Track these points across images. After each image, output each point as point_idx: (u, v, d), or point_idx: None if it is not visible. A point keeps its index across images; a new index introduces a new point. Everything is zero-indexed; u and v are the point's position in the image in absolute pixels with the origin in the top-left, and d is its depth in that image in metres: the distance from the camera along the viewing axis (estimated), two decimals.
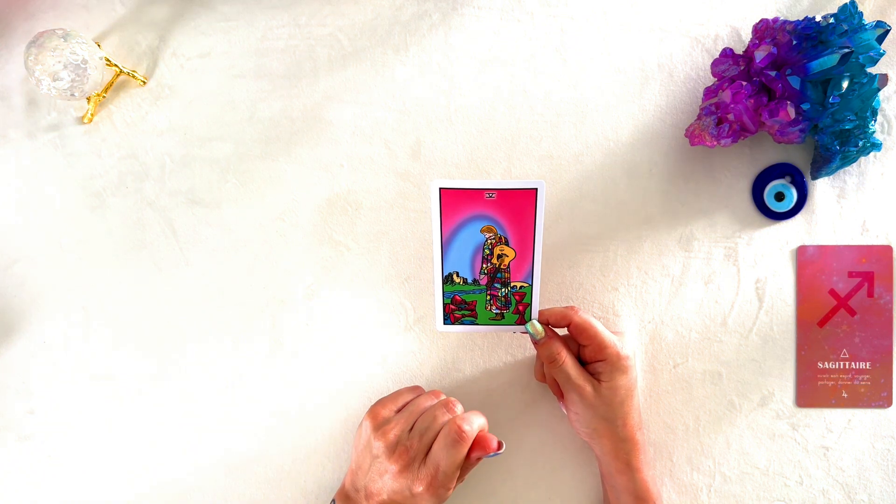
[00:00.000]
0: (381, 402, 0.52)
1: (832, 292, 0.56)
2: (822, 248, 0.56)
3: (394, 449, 0.48)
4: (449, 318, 0.51)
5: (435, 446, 0.48)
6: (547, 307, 0.51)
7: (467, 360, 0.57)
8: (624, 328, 0.56)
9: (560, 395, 0.52)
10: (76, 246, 0.58)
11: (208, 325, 0.58)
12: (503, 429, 0.57)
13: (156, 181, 0.58)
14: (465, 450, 0.47)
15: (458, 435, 0.47)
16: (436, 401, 0.51)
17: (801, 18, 0.50)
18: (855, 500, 0.55)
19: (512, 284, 0.50)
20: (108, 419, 0.58)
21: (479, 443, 0.48)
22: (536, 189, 0.47)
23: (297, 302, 0.58)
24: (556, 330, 0.51)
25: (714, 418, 0.56)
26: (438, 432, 0.48)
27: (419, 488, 0.47)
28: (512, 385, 0.57)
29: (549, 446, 0.57)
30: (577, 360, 0.51)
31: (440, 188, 0.47)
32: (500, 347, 0.57)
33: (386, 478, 0.48)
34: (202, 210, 0.58)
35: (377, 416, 0.50)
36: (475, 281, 0.50)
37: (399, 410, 0.51)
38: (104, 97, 0.58)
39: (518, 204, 0.47)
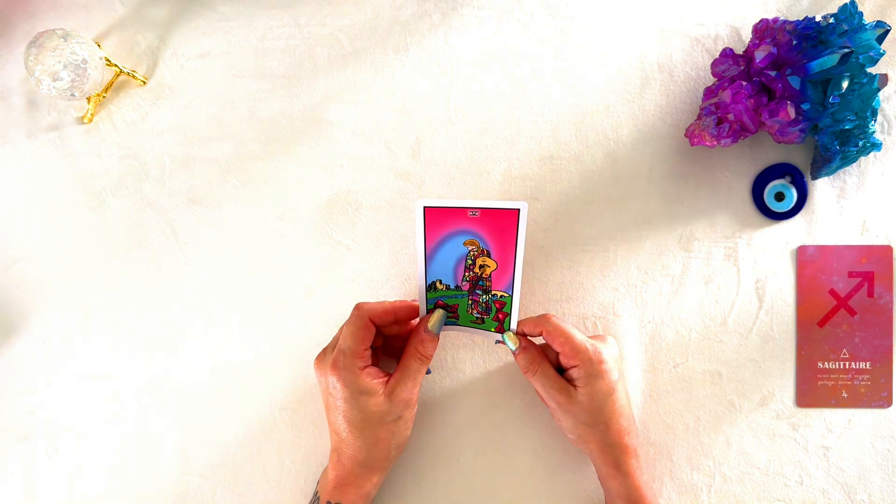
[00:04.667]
0: None
1: (832, 292, 0.56)
2: (822, 248, 0.56)
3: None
4: None
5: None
6: (527, 315, 0.51)
7: (467, 360, 0.57)
8: (620, 329, 0.56)
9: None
10: (76, 246, 0.58)
11: (208, 325, 0.58)
12: (504, 429, 0.57)
13: (156, 181, 0.58)
14: (361, 322, 0.48)
15: (356, 309, 0.49)
16: None
17: (801, 18, 0.50)
18: (855, 500, 0.55)
19: (493, 293, 0.50)
20: (108, 419, 0.58)
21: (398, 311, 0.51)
22: (519, 210, 0.47)
23: (297, 302, 0.58)
24: (535, 339, 0.51)
25: (714, 418, 0.56)
26: None
27: (328, 373, 0.49)
28: (512, 385, 0.57)
29: (549, 447, 0.57)
30: (557, 369, 0.51)
31: (424, 207, 0.47)
32: (500, 347, 0.57)
33: (322, 386, 0.50)
34: (202, 210, 0.58)
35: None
36: (458, 287, 0.50)
37: None
38: (104, 97, 0.58)
39: (501, 222, 0.48)
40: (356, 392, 0.48)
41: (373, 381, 0.49)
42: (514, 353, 0.51)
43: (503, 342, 0.51)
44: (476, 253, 0.49)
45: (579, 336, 0.49)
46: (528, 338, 0.51)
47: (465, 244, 0.49)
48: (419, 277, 0.50)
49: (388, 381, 0.49)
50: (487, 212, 0.48)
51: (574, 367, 0.49)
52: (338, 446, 0.50)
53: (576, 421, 0.50)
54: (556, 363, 0.51)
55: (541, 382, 0.50)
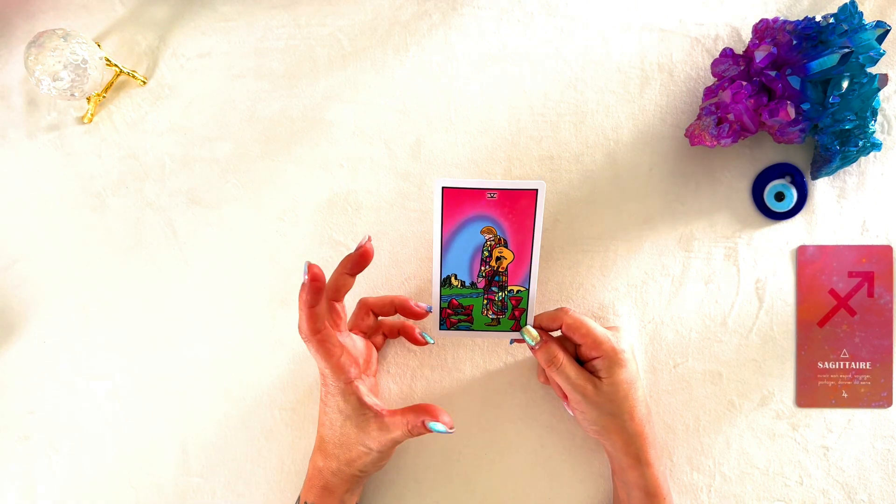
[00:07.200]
0: None
1: (832, 292, 0.56)
2: (822, 248, 0.56)
3: None
4: (445, 323, 0.51)
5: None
6: (540, 311, 0.51)
7: (467, 360, 0.57)
8: (621, 323, 0.56)
9: (564, 397, 0.52)
10: (76, 246, 0.58)
11: (208, 326, 0.58)
12: (504, 429, 0.57)
13: (156, 181, 0.58)
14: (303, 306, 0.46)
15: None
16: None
17: (801, 18, 0.50)
18: (855, 500, 0.55)
19: (509, 288, 0.50)
20: (108, 419, 0.58)
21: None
22: (537, 190, 0.47)
23: (297, 302, 0.58)
24: (551, 333, 0.51)
25: (714, 418, 0.56)
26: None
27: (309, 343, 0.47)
28: (512, 385, 0.57)
29: (549, 447, 0.57)
30: (576, 360, 0.51)
31: (443, 187, 0.47)
32: (500, 347, 0.57)
33: (320, 367, 0.48)
34: (202, 210, 0.58)
35: None
36: (473, 284, 0.50)
37: None
38: (104, 97, 0.58)
39: (519, 205, 0.47)
40: (351, 410, 0.48)
41: (368, 401, 0.48)
42: (532, 348, 0.50)
43: (521, 339, 0.51)
44: (493, 242, 0.49)
45: (599, 327, 0.50)
46: (546, 332, 0.51)
47: (482, 232, 0.48)
48: (435, 267, 0.49)
49: (383, 416, 0.48)
50: (505, 194, 0.47)
51: (596, 358, 0.49)
52: (318, 444, 0.51)
53: (600, 412, 0.50)
54: (573, 356, 0.51)
55: (565, 375, 0.49)
